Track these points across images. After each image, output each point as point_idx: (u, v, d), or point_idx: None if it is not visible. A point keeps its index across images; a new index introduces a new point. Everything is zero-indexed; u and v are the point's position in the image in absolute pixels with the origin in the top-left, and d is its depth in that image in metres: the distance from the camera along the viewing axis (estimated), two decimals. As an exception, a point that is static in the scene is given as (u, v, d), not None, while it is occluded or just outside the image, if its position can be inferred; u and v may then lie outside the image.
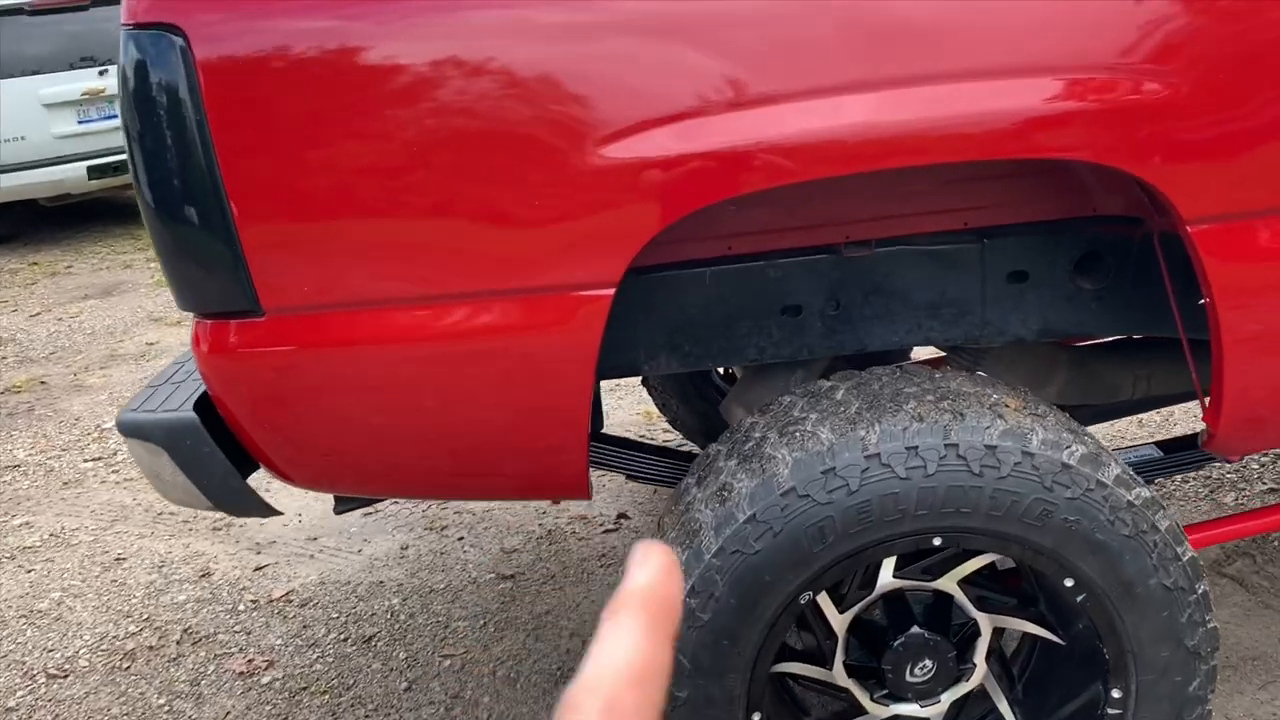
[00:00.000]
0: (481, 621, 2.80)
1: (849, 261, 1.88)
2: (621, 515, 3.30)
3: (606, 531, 3.22)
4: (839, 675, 1.71)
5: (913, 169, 1.56)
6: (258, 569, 3.16)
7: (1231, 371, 1.55)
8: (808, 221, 1.80)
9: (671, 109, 1.43)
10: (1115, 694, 1.61)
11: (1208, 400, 1.72)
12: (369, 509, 3.40)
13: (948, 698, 1.72)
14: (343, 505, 2.22)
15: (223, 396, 1.62)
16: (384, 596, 2.96)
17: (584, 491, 1.70)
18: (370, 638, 2.77)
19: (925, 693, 1.71)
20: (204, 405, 1.67)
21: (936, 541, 1.54)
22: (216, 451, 1.65)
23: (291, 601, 2.98)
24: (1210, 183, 1.44)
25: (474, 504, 3.48)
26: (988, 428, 1.51)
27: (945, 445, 1.50)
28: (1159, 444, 2.01)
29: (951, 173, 1.74)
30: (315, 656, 2.71)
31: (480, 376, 1.56)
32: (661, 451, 2.23)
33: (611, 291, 1.51)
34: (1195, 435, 2.02)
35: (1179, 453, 1.96)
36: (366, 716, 2.47)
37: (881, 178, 1.59)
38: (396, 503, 3.43)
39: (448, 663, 2.64)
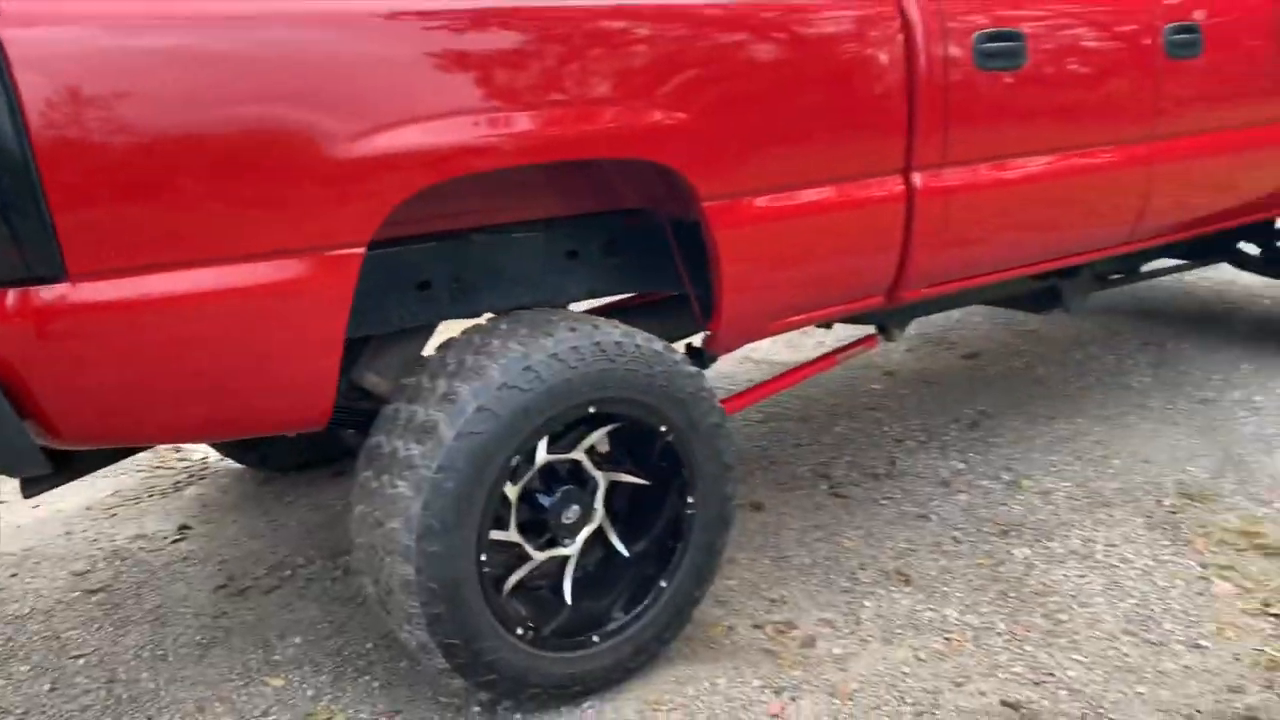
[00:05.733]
0: (95, 626, 2.88)
1: (466, 246, 2.59)
2: (184, 526, 3.50)
3: (174, 542, 3.41)
4: (513, 533, 2.40)
5: (520, 170, 2.31)
6: None
7: (728, 297, 2.57)
8: (465, 207, 2.47)
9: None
10: (690, 500, 2.53)
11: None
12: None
13: (580, 537, 2.50)
14: (32, 488, 2.33)
15: (14, 362, 1.80)
16: (-41, 634, 2.86)
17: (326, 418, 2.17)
18: (-28, 666, 2.70)
19: (569, 532, 2.46)
20: None
21: (591, 410, 2.32)
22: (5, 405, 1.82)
23: None
24: (717, 173, 2.45)
25: (10, 542, 3.40)
26: (612, 331, 2.34)
27: (593, 344, 2.29)
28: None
29: (543, 174, 2.54)
30: (-85, 695, 2.59)
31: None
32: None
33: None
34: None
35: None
36: (18, 722, 2.49)
37: (508, 175, 2.33)
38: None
39: (82, 661, 2.72)
